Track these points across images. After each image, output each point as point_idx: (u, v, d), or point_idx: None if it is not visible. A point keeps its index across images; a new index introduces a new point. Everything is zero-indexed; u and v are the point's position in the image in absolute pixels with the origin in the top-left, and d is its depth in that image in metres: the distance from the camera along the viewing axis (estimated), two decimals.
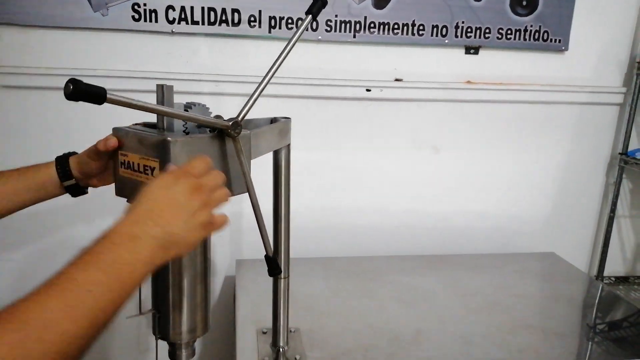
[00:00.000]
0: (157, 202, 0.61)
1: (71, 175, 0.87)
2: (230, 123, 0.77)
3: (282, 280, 1.01)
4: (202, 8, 1.39)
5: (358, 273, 1.45)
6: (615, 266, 1.79)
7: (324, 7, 0.91)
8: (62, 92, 0.58)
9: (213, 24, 1.41)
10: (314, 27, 1.44)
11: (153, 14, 1.38)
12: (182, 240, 0.62)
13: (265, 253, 0.88)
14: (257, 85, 0.84)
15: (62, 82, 0.59)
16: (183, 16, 1.39)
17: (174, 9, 1.38)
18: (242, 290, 1.32)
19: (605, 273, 1.74)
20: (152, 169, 0.73)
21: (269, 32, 1.44)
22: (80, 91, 0.61)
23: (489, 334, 1.15)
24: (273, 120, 0.95)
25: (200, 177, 0.66)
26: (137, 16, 1.37)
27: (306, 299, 1.28)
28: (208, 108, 0.82)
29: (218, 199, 0.67)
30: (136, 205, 0.61)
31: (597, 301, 1.40)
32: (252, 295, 1.30)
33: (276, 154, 0.96)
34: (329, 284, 1.38)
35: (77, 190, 0.89)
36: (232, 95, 1.47)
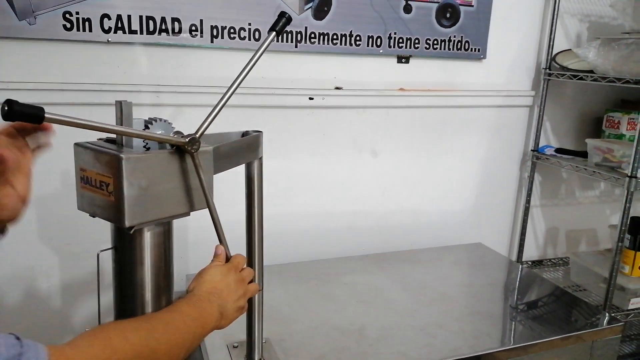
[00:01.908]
0: (218, 284, 0.80)
1: None
2: (187, 139, 0.77)
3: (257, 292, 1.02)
4: (140, 17, 1.34)
5: (311, 277, 1.49)
6: (530, 251, 2.00)
7: (288, 24, 0.93)
8: None
9: (152, 33, 1.37)
10: (257, 37, 1.45)
11: (87, 23, 1.30)
12: (229, 315, 0.81)
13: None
14: (216, 102, 0.83)
15: None
16: (120, 25, 1.33)
17: (109, 18, 1.32)
18: None
19: (523, 258, 1.94)
20: (107, 185, 0.72)
21: (211, 41, 1.42)
22: (16, 112, 0.59)
23: (444, 323, 1.25)
24: (245, 134, 0.96)
25: (241, 270, 0.85)
26: (69, 25, 1.28)
27: (269, 307, 1.28)
28: (170, 124, 0.81)
29: (252, 290, 0.87)
30: (202, 284, 0.79)
31: (520, 282, 1.56)
32: None
33: (248, 167, 0.97)
34: (287, 291, 1.40)
35: None
36: (174, 106, 1.44)
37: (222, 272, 0.81)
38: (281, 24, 0.91)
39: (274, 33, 0.90)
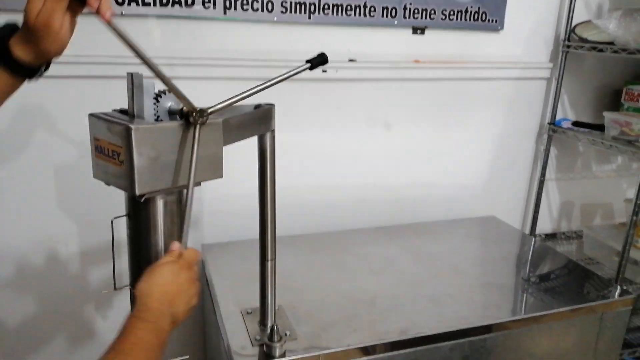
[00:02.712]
0: (169, 287, 0.75)
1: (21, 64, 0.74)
2: (198, 108, 0.78)
3: (269, 262, 1.05)
4: None
5: (325, 248, 1.51)
6: (544, 225, 2.00)
7: (323, 64, 1.01)
8: None
9: (165, 5, 1.37)
10: (270, 8, 1.45)
11: None
12: (181, 319, 0.78)
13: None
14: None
15: None
16: None
17: None
18: (216, 274, 1.33)
19: (537, 231, 1.94)
20: (118, 154, 0.74)
21: (224, 13, 1.42)
22: None
23: (454, 294, 1.27)
24: (257, 107, 0.97)
25: (193, 267, 0.80)
26: None
27: (282, 277, 1.31)
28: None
29: (199, 288, 0.83)
30: (153, 292, 0.74)
31: (533, 255, 1.57)
32: (227, 277, 1.32)
33: (260, 139, 0.98)
34: (299, 261, 1.42)
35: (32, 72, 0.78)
36: (188, 79, 1.45)
37: (173, 271, 0.76)
38: (317, 61, 1.00)
39: (309, 65, 0.99)
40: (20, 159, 1.37)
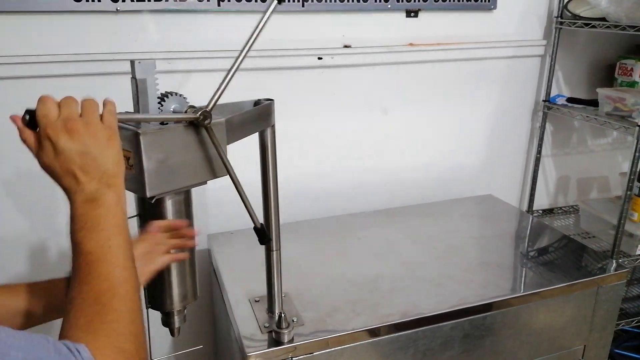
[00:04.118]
0: (72, 163, 0.62)
1: None
2: (199, 114, 0.80)
3: (274, 252, 1.09)
4: None
5: (326, 233, 1.55)
6: (541, 200, 2.03)
7: None
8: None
9: (159, 0, 1.38)
10: None
11: None
12: (116, 170, 0.65)
13: (253, 225, 0.95)
14: (225, 66, 0.86)
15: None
16: None
17: None
18: (223, 263, 1.37)
19: (534, 207, 1.98)
20: (128, 159, 0.77)
21: (218, 5, 1.42)
22: None
23: (453, 274, 1.31)
24: (257, 103, 0.99)
25: (75, 117, 0.63)
26: None
27: (286, 263, 1.35)
28: (185, 98, 0.85)
29: (91, 108, 0.65)
30: (65, 175, 0.63)
31: (530, 232, 1.61)
32: (234, 266, 1.36)
33: (261, 135, 1.01)
34: (303, 247, 1.46)
35: None
36: (185, 72, 1.46)
37: (61, 148, 0.61)
38: None
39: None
40: (28, 155, 1.39)
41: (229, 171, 0.85)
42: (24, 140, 0.64)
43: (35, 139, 0.63)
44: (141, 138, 0.74)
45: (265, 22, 0.89)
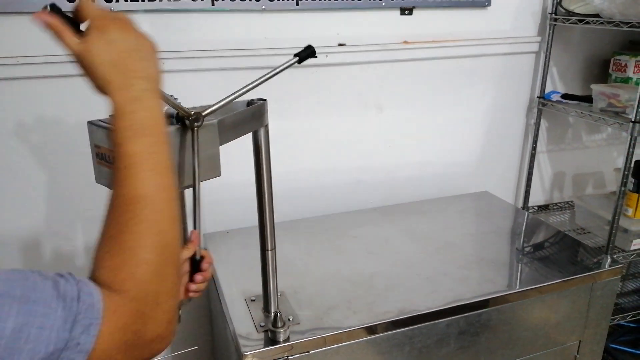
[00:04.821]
0: (125, 55, 0.61)
1: None
2: (192, 113, 0.80)
3: (270, 251, 1.09)
4: None
5: (321, 231, 1.55)
6: (536, 196, 2.04)
7: (311, 56, 0.99)
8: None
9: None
10: None
11: None
12: (159, 79, 0.65)
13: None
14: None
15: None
16: None
17: None
18: (219, 263, 1.37)
19: (529, 203, 1.98)
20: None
21: (212, 4, 1.42)
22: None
23: (449, 272, 1.31)
24: (250, 103, 0.99)
25: (111, 15, 0.63)
26: None
27: (281, 262, 1.35)
28: (176, 98, 0.85)
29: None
30: (113, 67, 0.61)
31: (525, 228, 1.61)
32: (230, 266, 1.36)
33: (255, 135, 1.01)
34: (299, 246, 1.46)
35: None
36: (179, 72, 1.46)
37: (109, 39, 0.61)
38: (306, 53, 0.98)
39: (296, 59, 0.97)
40: (26, 153, 1.39)
41: (194, 179, 0.82)
42: (59, 34, 0.62)
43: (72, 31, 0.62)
44: None
45: (278, 72, 0.94)
